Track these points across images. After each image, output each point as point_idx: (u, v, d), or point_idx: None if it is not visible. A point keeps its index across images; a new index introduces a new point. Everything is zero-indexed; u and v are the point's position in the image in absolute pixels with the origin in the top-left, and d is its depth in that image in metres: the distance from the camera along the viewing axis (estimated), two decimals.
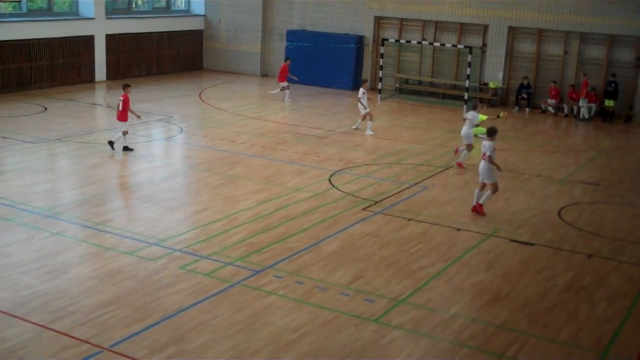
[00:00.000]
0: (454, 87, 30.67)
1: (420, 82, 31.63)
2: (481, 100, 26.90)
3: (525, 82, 28.64)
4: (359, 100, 23.31)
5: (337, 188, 17.16)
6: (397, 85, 31.73)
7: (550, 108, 28.24)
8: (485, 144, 15.48)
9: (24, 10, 28.35)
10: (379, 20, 31.91)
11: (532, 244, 14.14)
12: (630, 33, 27.01)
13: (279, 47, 34.22)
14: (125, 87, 19.95)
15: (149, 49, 33.31)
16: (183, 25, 34.96)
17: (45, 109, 24.87)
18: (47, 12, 29.30)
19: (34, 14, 28.74)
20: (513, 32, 29.32)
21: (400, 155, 20.75)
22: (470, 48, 28.57)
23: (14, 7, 28.21)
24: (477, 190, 15.87)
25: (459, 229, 14.76)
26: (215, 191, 16.63)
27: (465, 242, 14.10)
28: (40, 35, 28.30)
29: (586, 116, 27.15)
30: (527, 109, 28.58)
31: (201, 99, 28.19)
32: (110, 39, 31.21)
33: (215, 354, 9.54)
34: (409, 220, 15.17)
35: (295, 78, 28.91)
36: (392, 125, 25.02)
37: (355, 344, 9.99)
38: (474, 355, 9.85)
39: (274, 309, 10.89)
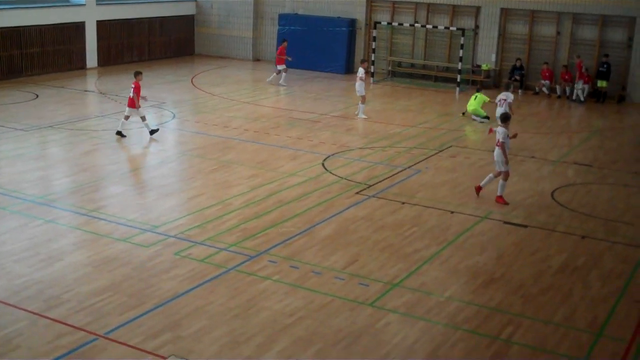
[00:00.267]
0: (447, 69, 30.61)
1: (412, 65, 31.56)
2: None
3: (518, 64, 28.60)
4: (359, 79, 23.08)
5: (330, 172, 17.15)
6: (390, 68, 31.66)
7: (544, 89, 28.23)
8: (499, 130, 15.28)
9: None
10: (371, 3, 31.79)
11: (526, 226, 14.17)
12: (623, 13, 26.98)
13: (271, 32, 34.08)
14: (137, 74, 19.95)
15: (140, 34, 33.13)
16: (174, 10, 34.74)
17: (37, 96, 24.74)
18: None
19: (25, 0, 28.51)
20: (505, 13, 29.25)
21: (393, 138, 20.74)
22: (463, 30, 28.52)
23: None
24: (490, 174, 15.66)
25: (452, 212, 14.77)
26: (209, 177, 16.60)
27: (459, 224, 14.12)
28: (31, 22, 28.10)
29: (581, 98, 27.13)
30: (520, 91, 28.55)
31: (193, 85, 28.09)
32: (101, 25, 31.02)
33: (211, 339, 9.55)
34: (403, 203, 15.17)
35: (289, 58, 28.79)
36: (385, 109, 24.98)
37: (351, 327, 10.01)
38: (469, 338, 9.89)
39: (269, 294, 10.90)
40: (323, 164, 17.76)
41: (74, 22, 29.78)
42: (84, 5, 30.07)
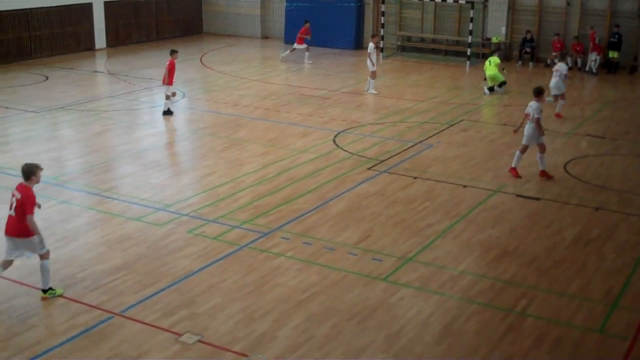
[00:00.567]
0: (457, 43, 30.40)
1: (422, 40, 31.36)
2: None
3: (528, 36, 28.36)
4: (369, 55, 23.00)
5: (342, 148, 17.11)
6: (399, 43, 31.47)
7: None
8: (532, 105, 14.98)
9: None
10: None
11: (539, 199, 14.12)
12: None
13: (279, 9, 33.90)
14: (173, 52, 20.05)
15: (148, 14, 33.03)
16: None
17: (47, 78, 24.76)
18: None
19: None
20: None
21: (404, 113, 20.65)
22: (472, 3, 28.27)
23: None
24: (517, 152, 15.39)
25: (464, 186, 14.73)
26: (220, 155, 16.60)
27: (472, 198, 14.08)
28: (39, 4, 28.07)
29: (594, 70, 26.88)
30: (530, 63, 28.34)
31: (202, 63, 28.03)
32: (109, 5, 30.94)
33: (226, 316, 9.60)
34: (415, 178, 15.14)
35: (308, 37, 28.66)
36: (396, 84, 24.87)
37: (365, 302, 10.03)
38: (484, 311, 9.89)
39: (283, 270, 10.93)
40: (334, 141, 17.72)
41: (82, 2, 29.72)
42: None
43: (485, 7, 29.47)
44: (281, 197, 13.97)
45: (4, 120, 19.23)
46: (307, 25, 28.73)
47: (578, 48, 27.34)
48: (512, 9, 29.16)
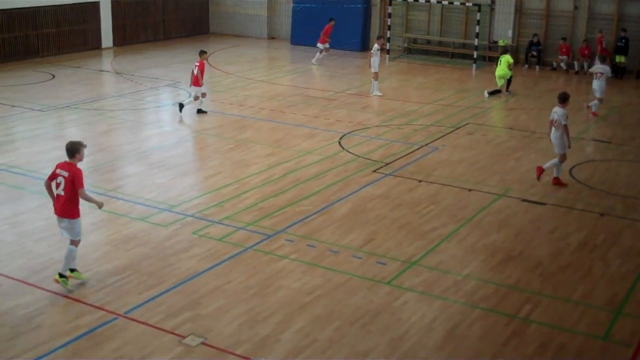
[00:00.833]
0: (463, 45, 30.39)
1: (428, 42, 31.35)
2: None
3: (535, 40, 28.33)
4: (371, 57, 23.00)
5: (347, 150, 17.11)
6: (406, 45, 31.47)
7: (562, 65, 27.94)
8: (558, 111, 14.77)
9: None
10: None
11: (544, 204, 14.09)
12: None
13: (286, 9, 33.92)
14: (202, 53, 20.24)
15: (155, 13, 33.09)
16: None
17: (53, 76, 24.81)
18: None
19: None
20: None
21: (410, 116, 20.64)
22: (479, 6, 28.25)
23: None
24: (556, 162, 15.08)
25: (470, 190, 14.71)
26: (226, 156, 16.61)
27: (477, 202, 14.06)
28: (47, 2, 28.13)
29: None
30: (537, 67, 28.31)
31: (208, 63, 28.03)
32: (116, 4, 31.00)
33: (229, 318, 9.60)
34: (420, 181, 15.13)
35: (326, 41, 28.68)
36: (401, 86, 24.86)
37: (369, 306, 10.03)
38: (487, 316, 9.88)
39: (287, 273, 10.93)
40: (339, 142, 17.71)
41: (89, 1, 29.79)
42: None
43: (492, 10, 29.45)
44: (286, 198, 13.97)
45: (10, 118, 19.27)
46: (332, 23, 28.59)
47: (586, 52, 27.28)
48: (519, 12, 29.13)
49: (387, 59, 29.28)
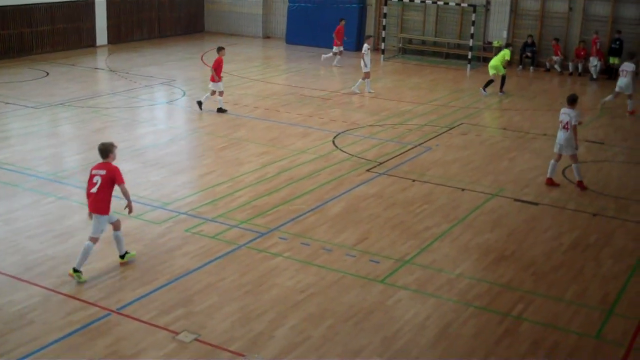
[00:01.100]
0: (458, 46, 30.44)
1: (423, 42, 31.38)
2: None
3: (529, 41, 28.38)
4: (362, 57, 23.12)
5: (341, 149, 17.13)
6: (401, 45, 31.49)
7: (556, 66, 28.00)
8: (570, 113, 14.70)
9: None
10: None
11: (537, 204, 14.14)
12: None
13: (281, 8, 33.92)
14: (220, 49, 20.28)
15: (150, 11, 33.05)
16: None
17: (47, 74, 24.77)
18: None
19: None
20: None
21: (404, 116, 20.67)
22: (474, 6, 28.30)
23: None
24: (552, 162, 15.14)
25: (463, 189, 14.75)
26: (220, 154, 16.62)
27: (470, 202, 14.10)
28: (41, 0, 28.13)
29: (594, 76, 26.87)
30: (531, 68, 28.38)
31: (203, 62, 28.02)
32: (111, 2, 30.95)
33: (223, 315, 9.62)
34: (414, 181, 15.16)
35: (346, 38, 28.60)
36: (396, 86, 24.90)
37: (362, 304, 10.05)
38: (480, 314, 9.91)
39: (280, 271, 10.95)
40: (333, 142, 17.74)
41: None
42: None
43: (487, 10, 29.50)
44: (280, 197, 13.98)
45: (4, 116, 19.23)
46: (343, 23, 28.42)
47: (582, 53, 27.35)
48: (514, 12, 29.18)
49: (381, 59, 29.31)
